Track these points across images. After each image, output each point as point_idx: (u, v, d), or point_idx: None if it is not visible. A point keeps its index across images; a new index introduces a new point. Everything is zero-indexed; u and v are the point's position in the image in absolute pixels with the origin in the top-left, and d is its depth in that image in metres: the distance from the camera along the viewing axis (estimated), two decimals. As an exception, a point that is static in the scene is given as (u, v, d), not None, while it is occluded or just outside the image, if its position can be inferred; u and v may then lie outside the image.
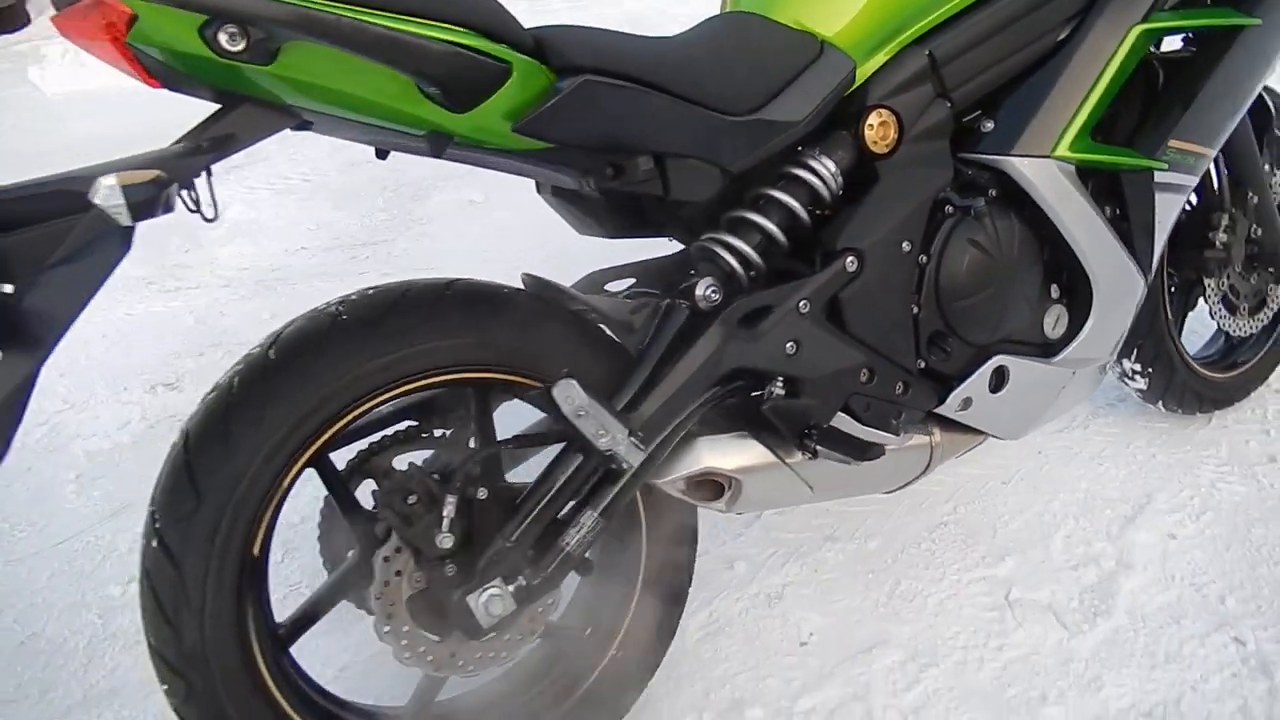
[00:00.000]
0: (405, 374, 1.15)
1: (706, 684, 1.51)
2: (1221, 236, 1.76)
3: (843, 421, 1.34)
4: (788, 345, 1.26)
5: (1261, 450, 1.94)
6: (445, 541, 1.15)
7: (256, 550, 1.13)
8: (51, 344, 1.03)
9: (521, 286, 1.30)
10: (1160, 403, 1.94)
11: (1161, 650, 1.51)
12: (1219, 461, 1.92)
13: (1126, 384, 1.92)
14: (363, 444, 1.26)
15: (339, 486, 1.22)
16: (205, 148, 1.04)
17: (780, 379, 1.28)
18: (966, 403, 1.43)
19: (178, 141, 1.08)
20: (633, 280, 1.48)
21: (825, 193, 1.29)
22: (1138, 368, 1.86)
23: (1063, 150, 1.37)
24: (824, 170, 1.29)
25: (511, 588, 1.17)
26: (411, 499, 1.13)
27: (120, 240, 1.03)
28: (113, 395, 2.44)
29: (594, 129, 1.12)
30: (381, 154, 1.35)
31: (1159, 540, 1.72)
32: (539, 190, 1.48)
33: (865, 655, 1.54)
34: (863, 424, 1.35)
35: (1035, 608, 1.60)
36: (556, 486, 1.18)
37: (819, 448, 1.29)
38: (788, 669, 1.53)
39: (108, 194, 0.93)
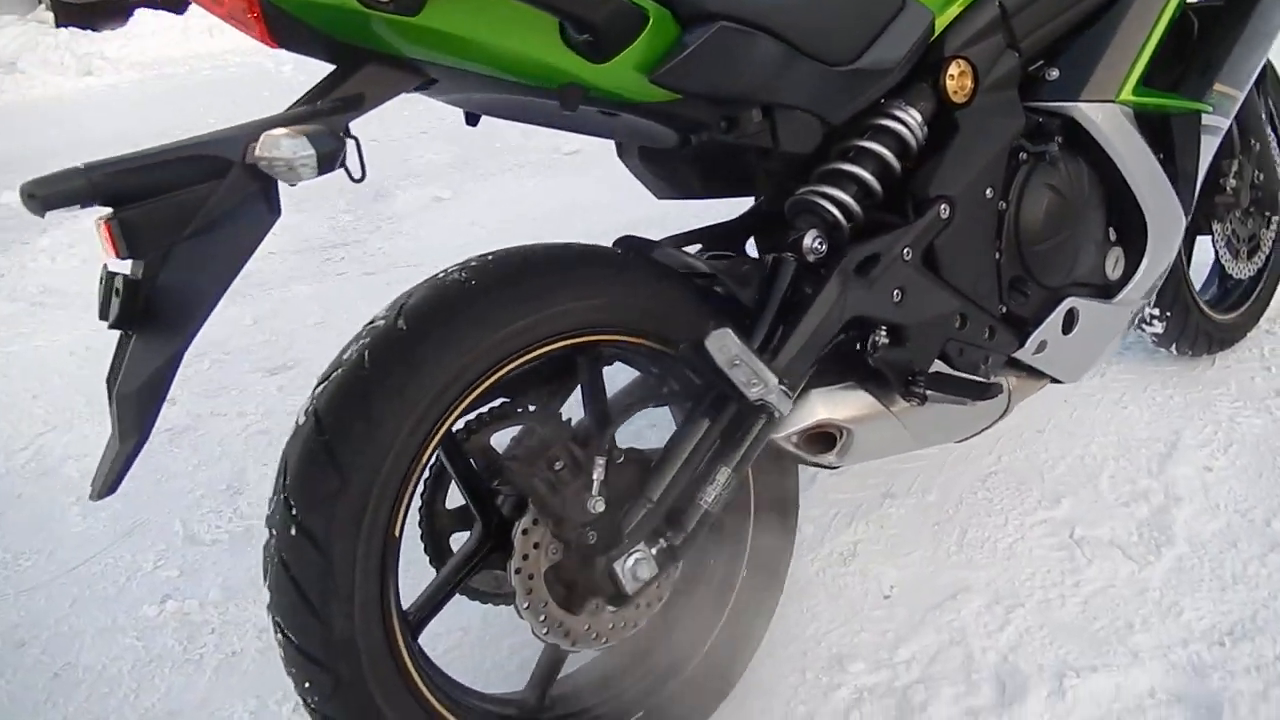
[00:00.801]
0: (540, 338, 1.11)
1: (802, 644, 1.51)
2: (1231, 182, 1.85)
3: (939, 368, 1.36)
4: (894, 293, 1.27)
5: (1267, 385, 2.05)
6: (598, 505, 1.11)
7: (397, 531, 1.08)
8: (196, 324, 0.96)
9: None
10: (1174, 346, 2.03)
11: (1227, 573, 1.57)
12: (1231, 398, 2.02)
13: (1143, 329, 2.00)
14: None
15: (461, 461, 1.17)
16: (329, 109, 0.99)
17: (884, 328, 1.29)
18: (1042, 346, 1.46)
19: (297, 104, 1.03)
20: (699, 245, 1.47)
21: (912, 142, 1.31)
22: (1155, 312, 1.94)
23: (1125, 95, 1.42)
24: (910, 120, 1.30)
25: (654, 550, 1.15)
26: (559, 465, 1.10)
27: (268, 204, 0.97)
28: (98, 413, 2.29)
29: (725, 78, 1.11)
30: (472, 120, 1.31)
31: (1197, 473, 1.80)
32: (621, 154, 1.46)
33: (951, 602, 1.56)
34: (955, 369, 1.37)
35: (1100, 544, 1.65)
36: (694, 444, 1.16)
37: (928, 393, 1.30)
38: (878, 622, 1.54)
39: (291, 146, 0.87)
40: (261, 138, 0.90)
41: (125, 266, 1.05)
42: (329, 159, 0.91)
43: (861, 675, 1.45)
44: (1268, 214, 2.00)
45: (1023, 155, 1.39)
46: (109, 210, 0.95)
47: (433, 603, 1.19)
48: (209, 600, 1.72)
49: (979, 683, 1.42)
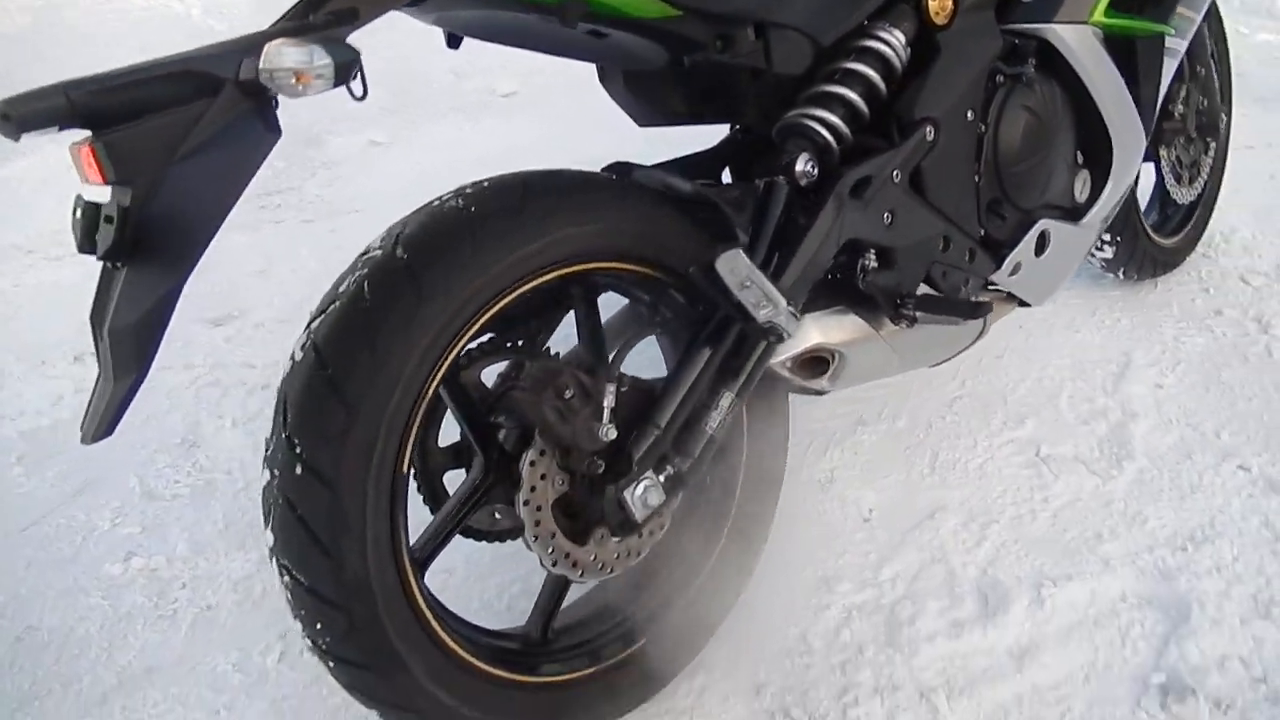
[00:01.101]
0: (543, 265, 1.09)
1: (788, 568, 1.52)
2: (1180, 108, 1.91)
3: (924, 291, 1.38)
4: (885, 215, 1.28)
5: (1206, 306, 2.14)
6: (609, 434, 1.10)
7: (404, 467, 1.05)
8: (195, 254, 0.91)
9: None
10: (1121, 271, 2.10)
11: (1185, 483, 1.65)
12: (1175, 319, 2.10)
13: (1093, 255, 2.06)
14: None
15: (461, 395, 1.14)
16: (323, 23, 0.94)
17: (873, 251, 1.30)
18: (1017, 268, 1.49)
19: (285, 18, 0.97)
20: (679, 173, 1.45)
21: (897, 64, 1.30)
22: (1106, 237, 2.00)
23: (1097, 17, 1.44)
24: (895, 41, 1.30)
25: (662, 477, 1.14)
26: (569, 394, 1.08)
27: (265, 123, 0.92)
28: (32, 370, 2.18)
29: None
30: (453, 42, 1.26)
31: (1149, 391, 1.88)
32: (603, 80, 1.42)
33: (929, 522, 1.60)
34: (940, 292, 1.39)
35: (1064, 461, 1.71)
36: (697, 371, 1.15)
37: (918, 315, 1.31)
38: (861, 544, 1.57)
39: (301, 56, 0.82)
40: (266, 49, 0.84)
41: (102, 195, 0.98)
42: (345, 69, 0.87)
43: (849, 595, 1.49)
44: (1208, 140, 2.07)
45: (999, 78, 1.40)
46: (88, 133, 0.89)
47: (435, 541, 1.17)
48: (176, 555, 1.66)
49: (962, 596, 1.47)
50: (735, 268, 1.08)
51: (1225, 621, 1.39)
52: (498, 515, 1.24)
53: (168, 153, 0.90)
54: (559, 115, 3.46)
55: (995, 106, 1.40)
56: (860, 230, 1.24)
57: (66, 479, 1.86)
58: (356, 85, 0.93)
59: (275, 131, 0.93)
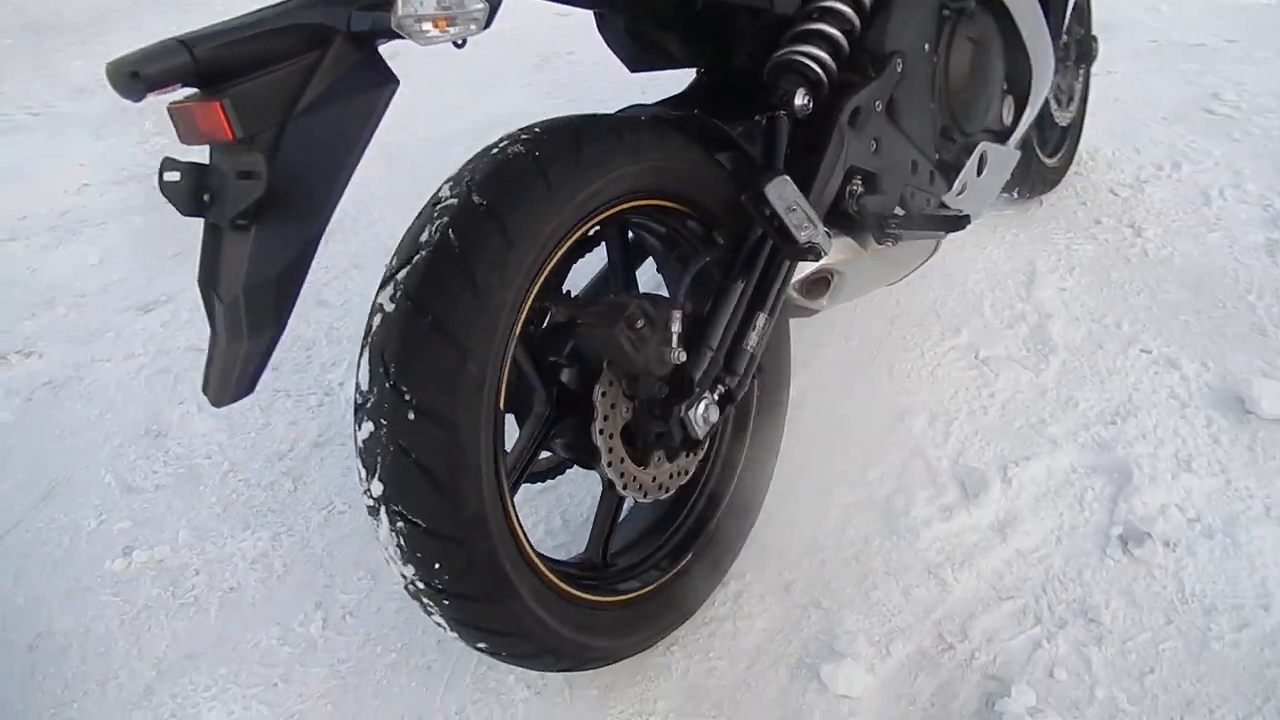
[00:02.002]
0: (603, 203, 1.15)
1: (785, 481, 1.66)
2: (1064, 36, 2.13)
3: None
4: (872, 143, 1.41)
5: (1087, 217, 2.41)
6: (680, 357, 1.19)
7: (502, 403, 1.10)
8: (329, 205, 0.94)
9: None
10: (1016, 190, 2.33)
11: (1102, 368, 1.89)
12: (1064, 230, 2.36)
13: (994, 177, 2.28)
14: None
15: (528, 335, 1.20)
16: None
17: (860, 176, 1.43)
18: (964, 187, 1.67)
19: None
20: None
21: (866, 1, 1.43)
22: (1008, 159, 2.22)
23: None
24: None
25: (715, 396, 1.25)
26: (640, 324, 1.15)
27: (380, 73, 0.96)
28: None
29: None
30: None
31: (1056, 294, 2.12)
32: (601, 28, 1.48)
33: (899, 424, 1.78)
34: (909, 212, 1.54)
35: (1000, 360, 1.93)
36: (737, 295, 1.25)
37: (901, 233, 1.46)
38: (844, 449, 1.73)
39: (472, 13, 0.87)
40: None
41: (198, 155, 1.00)
42: (495, 9, 0.91)
43: (844, 496, 1.64)
44: (1082, 65, 2.32)
45: (945, 12, 1.56)
46: (190, 91, 0.90)
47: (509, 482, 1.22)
48: (180, 544, 1.64)
49: (944, 484, 1.65)
50: (784, 193, 1.19)
51: (1159, 478, 1.63)
52: (546, 456, 1.32)
53: (289, 107, 0.92)
54: (433, 80, 3.44)
55: (945, 38, 1.55)
56: (857, 158, 1.37)
57: (32, 483, 1.78)
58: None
59: (393, 80, 0.97)
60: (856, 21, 1.41)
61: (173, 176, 0.98)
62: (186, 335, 2.14)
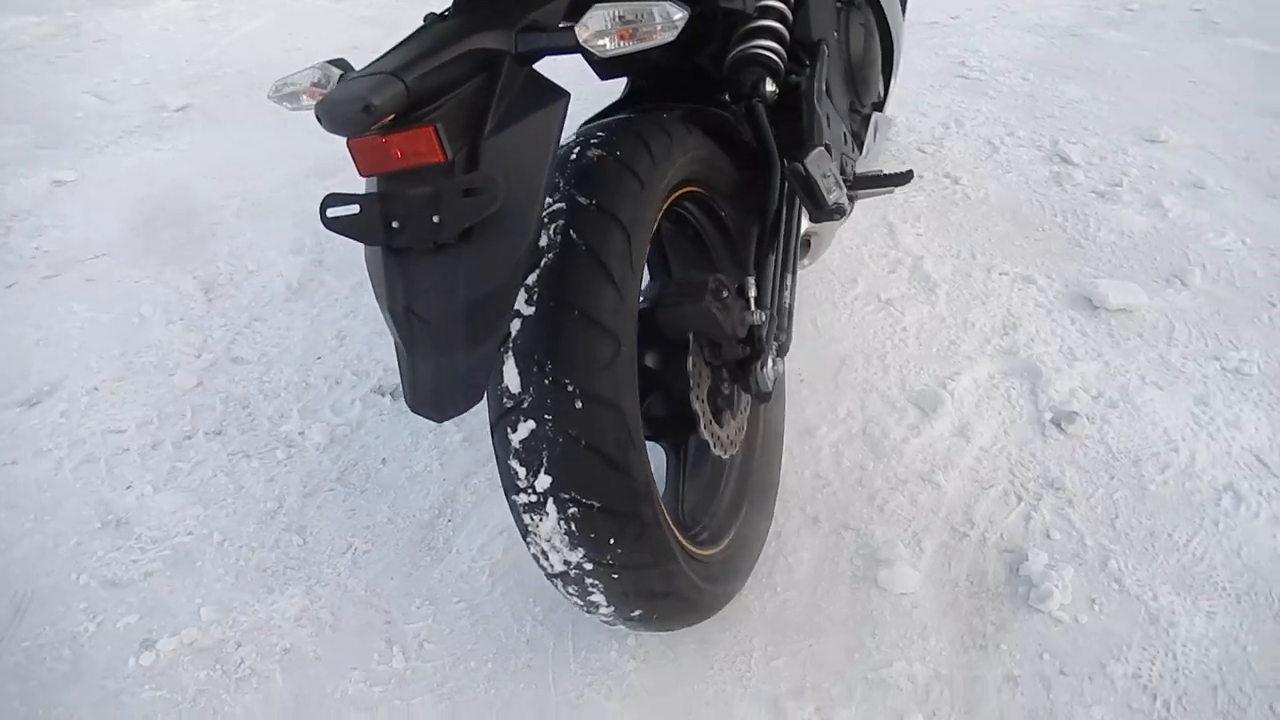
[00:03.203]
0: (670, 191, 1.26)
1: (773, 433, 1.84)
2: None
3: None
4: (826, 119, 1.61)
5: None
6: (760, 318, 1.31)
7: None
8: (533, 221, 0.99)
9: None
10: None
11: (979, 292, 2.23)
12: (904, 189, 2.71)
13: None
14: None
15: None
16: None
17: (824, 147, 1.63)
18: (867, 152, 1.92)
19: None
20: None
21: None
22: (849, 131, 2.52)
23: None
24: None
25: (775, 349, 1.39)
26: (725, 294, 1.27)
27: (548, 89, 1.02)
28: None
29: None
30: None
31: (915, 239, 2.45)
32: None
33: (844, 368, 2.01)
34: (844, 177, 1.77)
35: (900, 300, 2.21)
36: (777, 255, 1.41)
37: (865, 193, 1.68)
38: (811, 399, 1.93)
39: (664, 10, 0.95)
40: (595, 12, 0.95)
41: (370, 184, 1.02)
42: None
43: (828, 435, 1.84)
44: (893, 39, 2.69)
45: (838, 4, 1.79)
46: (386, 120, 0.93)
47: None
48: (206, 621, 1.54)
49: (904, 408, 1.90)
50: (820, 163, 1.35)
51: (1059, 369, 1.97)
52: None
53: (478, 128, 0.97)
54: (249, 120, 3.29)
55: (843, 26, 1.79)
56: (827, 133, 1.57)
57: (-12, 604, 1.58)
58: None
59: (564, 94, 1.03)
60: (791, 16, 1.60)
61: (347, 210, 1.00)
62: (96, 419, 1.96)
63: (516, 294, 1.03)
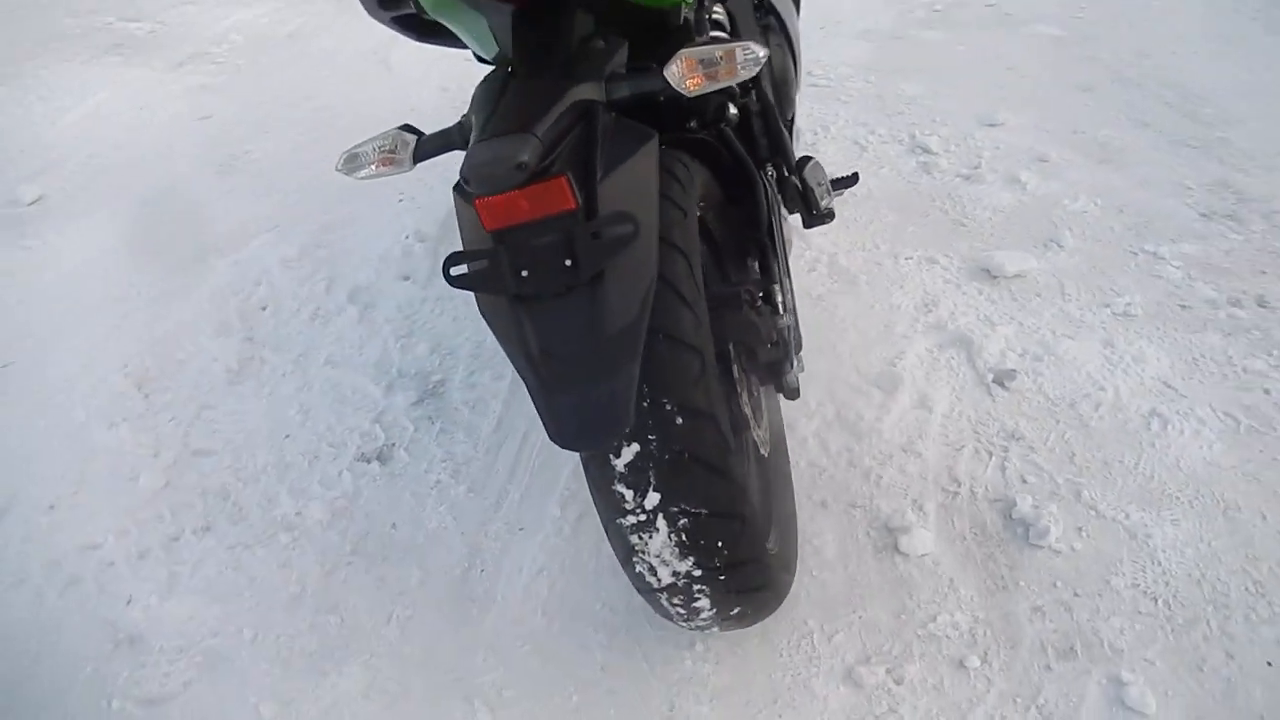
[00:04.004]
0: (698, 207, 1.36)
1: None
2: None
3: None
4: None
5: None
6: (789, 320, 1.44)
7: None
8: (654, 248, 1.06)
9: None
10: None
11: (894, 277, 2.44)
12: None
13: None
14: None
15: None
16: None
17: None
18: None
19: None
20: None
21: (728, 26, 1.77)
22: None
23: None
24: (721, 13, 1.76)
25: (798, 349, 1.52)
26: (759, 302, 1.38)
27: (641, 129, 1.10)
28: None
29: None
30: None
31: (823, 237, 2.64)
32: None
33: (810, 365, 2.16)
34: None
35: (828, 295, 2.39)
36: (780, 262, 1.53)
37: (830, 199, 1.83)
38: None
39: (757, 53, 1.05)
40: (682, 57, 1.04)
41: (473, 239, 1.08)
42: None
43: (807, 427, 1.99)
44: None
45: (760, 27, 1.95)
46: (519, 178, 0.99)
47: None
48: (267, 717, 1.48)
49: (867, 391, 2.07)
50: (815, 173, 1.48)
51: (985, 334, 2.20)
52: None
53: (591, 172, 1.03)
54: (115, 206, 3.12)
55: (768, 44, 1.94)
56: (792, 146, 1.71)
57: None
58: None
59: (653, 133, 1.10)
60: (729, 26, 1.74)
61: (474, 267, 1.04)
62: (64, 537, 1.84)
63: (645, 323, 1.10)
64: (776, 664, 1.53)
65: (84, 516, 1.89)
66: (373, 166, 1.20)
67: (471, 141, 1.07)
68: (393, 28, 1.32)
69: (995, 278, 2.41)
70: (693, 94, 1.15)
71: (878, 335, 2.23)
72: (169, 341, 2.38)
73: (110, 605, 1.70)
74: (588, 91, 1.11)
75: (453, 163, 1.14)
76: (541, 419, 1.11)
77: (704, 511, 1.21)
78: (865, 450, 1.91)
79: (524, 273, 1.06)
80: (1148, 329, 2.20)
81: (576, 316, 1.06)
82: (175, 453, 2.03)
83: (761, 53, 1.15)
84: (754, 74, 1.15)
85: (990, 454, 1.89)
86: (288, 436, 2.05)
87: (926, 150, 3.08)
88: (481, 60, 1.47)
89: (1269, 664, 1.48)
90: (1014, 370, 2.08)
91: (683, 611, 1.32)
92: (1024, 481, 1.82)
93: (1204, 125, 3.09)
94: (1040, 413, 1.98)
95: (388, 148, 1.18)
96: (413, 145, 1.18)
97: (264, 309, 2.46)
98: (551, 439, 1.11)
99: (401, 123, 1.24)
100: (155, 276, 2.65)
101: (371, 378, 2.19)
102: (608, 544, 1.72)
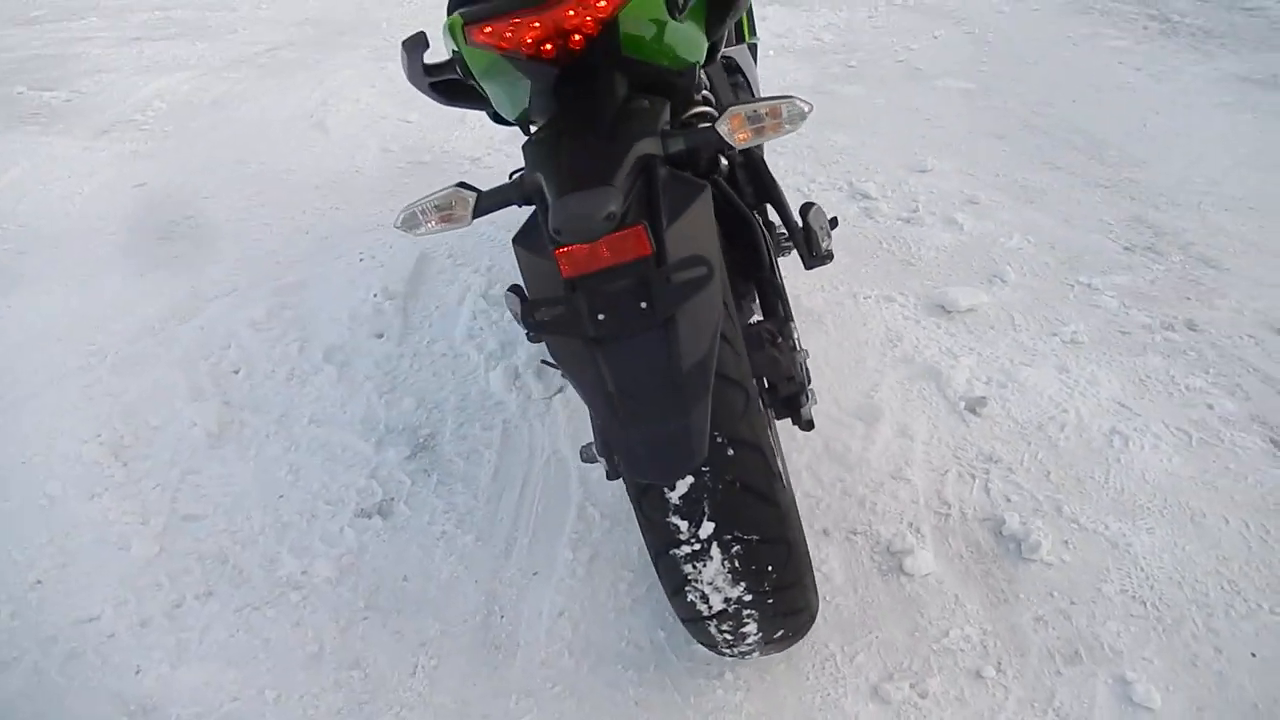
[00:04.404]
0: None
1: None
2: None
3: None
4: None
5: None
6: (806, 357, 1.51)
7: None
8: (718, 278, 1.12)
9: None
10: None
11: (857, 316, 2.56)
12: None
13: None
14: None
15: None
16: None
17: None
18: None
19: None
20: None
21: None
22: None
23: (749, 38, 2.18)
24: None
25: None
26: (778, 339, 1.46)
27: (693, 181, 1.18)
28: None
29: None
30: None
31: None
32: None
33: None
34: None
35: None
36: (784, 298, 1.62)
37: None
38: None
39: (780, 107, 1.14)
40: (732, 114, 1.12)
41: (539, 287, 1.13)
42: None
43: (798, 460, 2.06)
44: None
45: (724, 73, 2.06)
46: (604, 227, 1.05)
47: None
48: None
49: (850, 423, 2.16)
50: (819, 217, 1.57)
51: (951, 365, 2.33)
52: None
53: (657, 220, 1.10)
54: (58, 276, 3.03)
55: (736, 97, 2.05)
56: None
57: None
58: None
59: (706, 184, 1.17)
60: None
61: (552, 313, 1.09)
62: (55, 613, 1.76)
63: (715, 357, 1.16)
64: (804, 687, 1.58)
65: (75, 589, 1.82)
66: (432, 224, 1.24)
67: (553, 197, 1.12)
68: (428, 94, 1.37)
69: (950, 312, 2.55)
70: (740, 147, 1.23)
71: (851, 370, 2.34)
72: (141, 408, 2.31)
73: (117, 677, 1.64)
74: (648, 146, 1.18)
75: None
76: (618, 454, 1.16)
77: (755, 538, 1.27)
78: (857, 479, 2.00)
79: (600, 316, 1.12)
80: (1095, 354, 2.37)
81: (651, 356, 1.12)
82: (165, 519, 1.98)
83: (807, 108, 1.24)
84: (798, 129, 1.24)
85: (973, 476, 2.00)
86: (281, 496, 2.02)
87: (866, 196, 3.25)
88: (500, 120, 1.52)
89: (1253, 655, 1.61)
90: (984, 397, 2.21)
91: (730, 637, 1.37)
92: (1008, 500, 1.93)
93: (1111, 167, 3.35)
94: (1012, 435, 2.11)
95: (446, 205, 1.23)
96: (472, 202, 1.23)
97: (237, 372, 2.42)
98: (629, 473, 1.16)
99: (457, 181, 1.28)
100: (116, 343, 2.58)
101: (360, 434, 2.18)
102: (624, 583, 1.79)
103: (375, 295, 2.69)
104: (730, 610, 1.32)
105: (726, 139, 1.21)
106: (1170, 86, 3.98)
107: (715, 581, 1.29)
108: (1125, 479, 1.97)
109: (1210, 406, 2.17)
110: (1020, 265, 2.78)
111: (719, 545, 1.27)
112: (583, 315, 1.12)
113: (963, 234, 2.98)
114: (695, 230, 1.17)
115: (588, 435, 2.13)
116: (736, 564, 1.28)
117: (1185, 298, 2.59)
